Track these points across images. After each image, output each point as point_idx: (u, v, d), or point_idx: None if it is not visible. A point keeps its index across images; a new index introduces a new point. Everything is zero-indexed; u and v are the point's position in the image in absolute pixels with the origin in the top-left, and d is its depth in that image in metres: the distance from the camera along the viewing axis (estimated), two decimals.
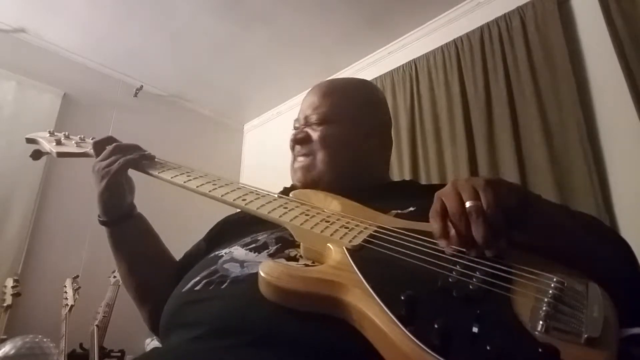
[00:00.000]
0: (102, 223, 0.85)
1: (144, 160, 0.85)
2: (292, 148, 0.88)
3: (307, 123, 0.87)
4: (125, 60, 3.09)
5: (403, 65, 2.64)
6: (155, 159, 0.87)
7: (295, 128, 0.89)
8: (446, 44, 2.42)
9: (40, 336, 2.02)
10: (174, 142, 3.36)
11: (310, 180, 0.83)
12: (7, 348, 1.91)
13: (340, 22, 2.64)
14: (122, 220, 0.84)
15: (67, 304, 2.04)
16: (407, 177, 2.31)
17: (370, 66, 2.94)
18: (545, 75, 1.97)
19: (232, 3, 2.52)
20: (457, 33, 2.39)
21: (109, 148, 0.84)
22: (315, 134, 0.84)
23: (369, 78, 2.75)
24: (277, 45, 2.88)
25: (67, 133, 0.98)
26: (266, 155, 3.60)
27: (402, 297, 0.40)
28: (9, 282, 2.17)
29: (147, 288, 0.86)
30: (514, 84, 2.07)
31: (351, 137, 0.84)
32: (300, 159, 0.85)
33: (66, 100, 2.87)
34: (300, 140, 0.86)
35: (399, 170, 2.40)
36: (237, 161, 3.93)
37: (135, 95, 3.25)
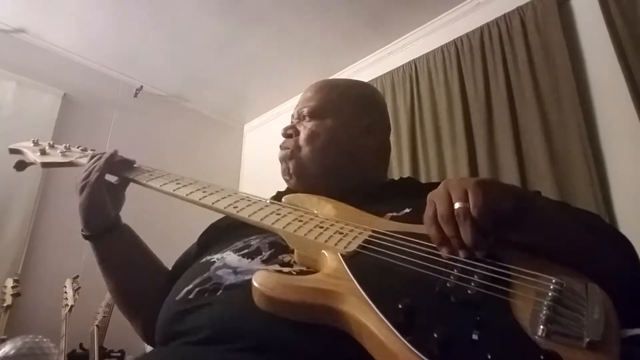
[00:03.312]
0: (86, 237, 0.82)
1: (121, 164, 0.84)
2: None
3: (299, 117, 0.86)
4: (125, 60, 3.08)
5: (403, 65, 2.63)
6: (141, 167, 0.85)
7: (284, 128, 0.89)
8: (446, 44, 2.42)
9: (40, 336, 2.02)
10: (174, 142, 3.37)
11: (294, 174, 0.82)
12: (7, 348, 1.91)
13: (340, 22, 2.64)
14: (105, 234, 0.81)
15: (67, 304, 2.03)
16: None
17: (370, 66, 2.93)
18: (545, 75, 1.96)
19: (232, 3, 2.51)
20: (457, 33, 2.39)
21: (91, 161, 0.83)
22: (303, 130, 0.83)
23: (368, 78, 2.76)
24: (277, 46, 2.88)
25: (52, 142, 0.95)
26: (266, 155, 3.58)
27: (400, 305, 0.39)
28: (9, 282, 2.17)
29: (138, 302, 0.83)
30: (514, 84, 2.07)
31: (341, 133, 0.83)
32: (281, 157, 0.85)
33: (66, 100, 2.86)
34: (288, 135, 0.86)
35: (399, 170, 2.40)
36: (237, 161, 3.92)
37: (135, 95, 3.24)
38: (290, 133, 0.85)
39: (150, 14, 2.62)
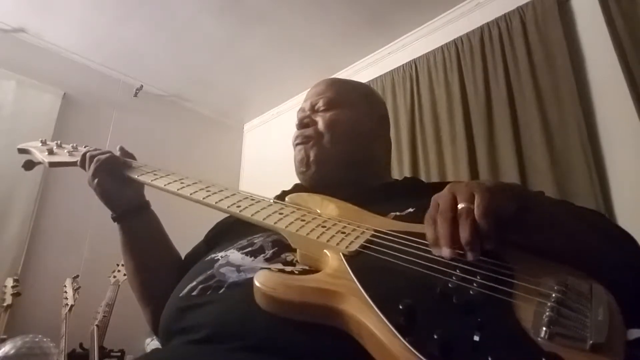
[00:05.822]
0: (112, 219, 0.86)
1: (122, 165, 0.86)
2: (295, 140, 0.86)
3: (313, 110, 0.86)
4: (125, 60, 3.08)
5: (403, 65, 2.63)
6: (145, 166, 0.86)
7: (299, 119, 0.88)
8: (446, 44, 2.41)
9: (40, 336, 2.02)
10: (174, 142, 3.37)
11: (314, 162, 0.81)
12: (7, 348, 1.91)
13: (340, 22, 2.63)
14: (127, 216, 0.85)
15: (67, 304, 2.04)
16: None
17: (370, 66, 2.93)
18: (545, 75, 1.96)
19: (232, 3, 2.51)
20: (457, 33, 2.39)
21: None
22: (321, 120, 0.84)
23: (369, 78, 2.76)
24: (277, 45, 2.88)
25: (59, 142, 0.97)
26: (266, 155, 3.60)
27: (401, 306, 0.39)
28: (9, 282, 2.17)
29: (151, 288, 0.85)
30: (514, 84, 2.07)
31: (358, 123, 0.85)
32: (300, 146, 0.84)
33: (66, 100, 2.86)
34: (305, 125, 0.85)
35: (399, 170, 2.40)
36: (237, 161, 3.92)
37: (135, 95, 3.24)
38: (307, 122, 0.85)
39: (150, 14, 2.62)
